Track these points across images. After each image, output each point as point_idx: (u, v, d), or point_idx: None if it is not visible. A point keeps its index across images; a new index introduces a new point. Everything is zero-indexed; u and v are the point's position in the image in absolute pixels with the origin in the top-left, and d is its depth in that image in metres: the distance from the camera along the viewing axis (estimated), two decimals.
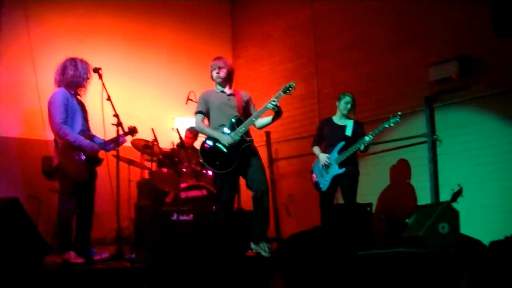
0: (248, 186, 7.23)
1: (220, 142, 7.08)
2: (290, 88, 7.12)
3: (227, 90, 7.37)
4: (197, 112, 7.38)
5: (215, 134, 7.14)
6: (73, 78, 7.09)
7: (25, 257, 5.62)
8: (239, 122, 7.17)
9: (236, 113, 7.24)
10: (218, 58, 7.41)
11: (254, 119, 7.16)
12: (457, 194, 8.00)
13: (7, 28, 10.29)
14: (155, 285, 5.05)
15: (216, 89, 7.41)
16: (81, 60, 7.22)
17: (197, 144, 10.67)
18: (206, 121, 7.42)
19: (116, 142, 7.22)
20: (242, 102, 7.34)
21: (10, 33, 10.30)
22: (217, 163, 7.08)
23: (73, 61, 7.17)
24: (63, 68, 7.13)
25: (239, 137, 7.06)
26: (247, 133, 7.22)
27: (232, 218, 7.25)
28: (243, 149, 7.09)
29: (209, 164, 7.15)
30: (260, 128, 7.51)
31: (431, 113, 9.35)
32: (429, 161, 9.25)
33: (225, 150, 7.06)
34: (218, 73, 7.33)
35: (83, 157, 6.93)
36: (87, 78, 7.24)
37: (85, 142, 6.93)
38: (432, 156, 9.25)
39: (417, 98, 9.49)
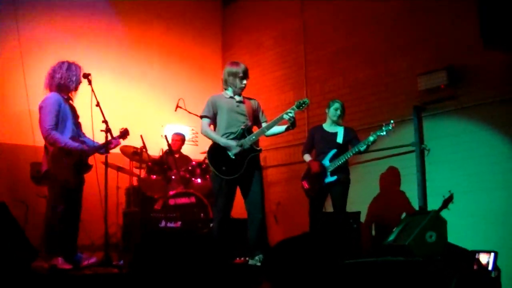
0: (246, 207, 7.19)
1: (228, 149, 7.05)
2: (304, 105, 7.09)
3: (237, 97, 7.30)
4: (203, 117, 7.26)
5: (223, 141, 7.07)
6: (62, 80, 7.04)
7: (12, 262, 5.61)
8: (249, 130, 7.14)
9: (246, 121, 7.20)
10: (245, 67, 7.31)
11: (266, 130, 7.15)
12: (448, 201, 8.01)
13: None
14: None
15: (225, 94, 7.32)
16: (72, 63, 7.16)
17: (186, 150, 10.72)
18: (211, 126, 7.33)
19: (109, 145, 7.18)
20: (251, 110, 7.30)
21: (0, 36, 10.25)
22: (224, 168, 7.00)
23: (63, 64, 7.13)
24: (53, 71, 7.09)
25: (249, 146, 7.04)
26: (256, 143, 7.17)
27: (227, 224, 7.21)
28: (250, 158, 7.06)
29: (216, 168, 7.02)
30: (270, 135, 7.45)
31: (419, 122, 9.39)
32: (417, 170, 9.28)
33: (232, 156, 7.01)
34: (244, 82, 7.28)
35: (74, 162, 6.90)
36: (77, 82, 7.20)
37: (74, 145, 6.88)
38: (420, 165, 9.28)
39: (406, 107, 9.54)
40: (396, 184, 9.68)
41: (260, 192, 7.15)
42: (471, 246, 7.61)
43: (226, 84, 7.32)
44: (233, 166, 7.00)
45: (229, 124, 7.15)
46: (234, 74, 7.23)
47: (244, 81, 7.25)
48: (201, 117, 7.29)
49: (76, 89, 7.22)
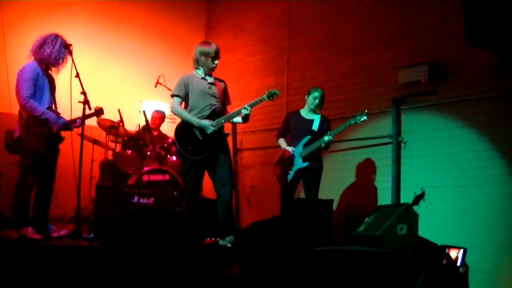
0: (215, 188, 7.21)
1: (197, 129, 7.03)
2: (274, 95, 7.14)
3: (208, 78, 7.26)
4: (175, 95, 7.23)
5: (196, 121, 7.04)
6: (48, 57, 6.94)
7: None
8: (219, 112, 7.14)
9: (217, 103, 7.18)
10: (217, 47, 7.26)
11: (236, 115, 7.17)
12: (419, 198, 8.07)
13: None
14: (111, 266, 5.04)
15: (196, 74, 7.28)
16: (63, 42, 7.07)
17: (164, 128, 10.68)
18: (182, 105, 7.30)
19: (74, 124, 7.14)
20: (221, 92, 7.30)
21: None
22: (190, 148, 7.01)
23: (55, 39, 7.00)
24: (42, 42, 6.97)
25: (217, 128, 7.04)
26: (223, 126, 7.20)
27: (197, 204, 7.23)
28: (217, 141, 7.07)
29: (182, 148, 7.04)
30: (235, 123, 7.49)
31: (398, 115, 9.43)
32: (393, 162, 9.33)
33: (200, 137, 7.02)
34: (216, 63, 7.23)
35: (46, 132, 6.85)
36: (62, 62, 7.11)
37: (52, 116, 6.84)
38: (395, 158, 9.32)
39: (385, 99, 9.57)
40: (370, 175, 9.73)
41: (229, 173, 7.18)
42: (441, 241, 7.67)
43: (197, 63, 7.28)
44: (199, 147, 7.02)
45: (200, 106, 7.15)
46: (206, 54, 7.19)
47: (216, 61, 7.23)
48: (172, 95, 7.27)
49: (57, 67, 7.14)
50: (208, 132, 6.97)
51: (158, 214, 5.37)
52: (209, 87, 7.21)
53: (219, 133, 7.11)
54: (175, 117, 11.48)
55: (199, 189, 7.27)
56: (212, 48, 7.19)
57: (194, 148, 7.02)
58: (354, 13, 10.48)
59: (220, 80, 7.43)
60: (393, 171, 9.31)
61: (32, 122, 6.78)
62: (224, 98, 7.38)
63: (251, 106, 7.14)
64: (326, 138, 8.16)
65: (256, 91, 11.30)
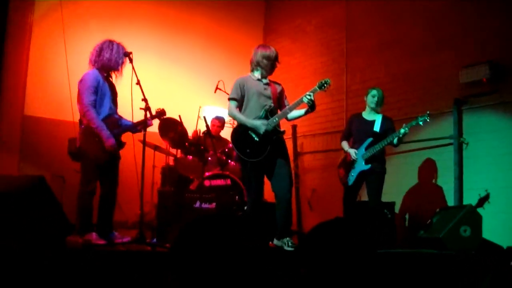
0: (273, 189, 7.17)
1: (252, 131, 7.02)
2: (325, 84, 7.03)
3: (264, 79, 7.28)
4: (231, 99, 7.25)
5: (249, 122, 7.05)
6: (108, 61, 7.04)
7: (48, 235, 5.67)
8: (272, 112, 7.13)
9: (272, 103, 7.17)
10: (276, 51, 7.30)
11: (289, 111, 7.12)
12: (483, 200, 7.96)
13: (41, 8, 10.31)
14: (180, 273, 5.07)
15: (252, 76, 7.30)
16: (119, 44, 7.18)
17: (224, 133, 10.71)
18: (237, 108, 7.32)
19: (144, 124, 7.19)
20: (276, 93, 7.28)
21: (43, 13, 10.31)
22: (248, 151, 7.01)
23: (110, 44, 7.10)
24: (100, 50, 7.08)
25: (272, 127, 7.02)
26: (278, 125, 7.17)
27: (259, 207, 7.20)
28: (274, 139, 7.05)
29: (240, 151, 7.05)
30: (291, 119, 7.41)
31: (459, 115, 9.31)
32: (455, 163, 9.21)
33: (256, 138, 7.00)
34: (275, 66, 7.29)
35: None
36: (122, 63, 7.22)
37: (105, 133, 6.85)
38: (458, 159, 9.20)
39: (446, 100, 9.46)
40: (432, 177, 9.62)
41: (287, 173, 7.13)
42: (506, 242, 7.55)
43: (257, 66, 7.28)
44: (257, 149, 7.00)
45: (255, 107, 7.15)
46: (267, 58, 7.21)
47: (270, 63, 7.23)
48: (229, 99, 7.30)
49: (118, 70, 7.22)
50: (261, 132, 6.97)
51: (226, 219, 5.39)
52: (265, 89, 7.22)
53: (275, 132, 7.09)
54: (234, 121, 11.60)
55: (262, 192, 7.25)
56: (273, 52, 7.23)
57: (252, 150, 7.02)
58: (412, 14, 10.39)
59: (276, 83, 7.43)
60: (455, 172, 9.19)
61: (91, 130, 6.88)
62: (279, 100, 7.36)
63: (312, 93, 6.98)
64: (402, 130, 7.99)
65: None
